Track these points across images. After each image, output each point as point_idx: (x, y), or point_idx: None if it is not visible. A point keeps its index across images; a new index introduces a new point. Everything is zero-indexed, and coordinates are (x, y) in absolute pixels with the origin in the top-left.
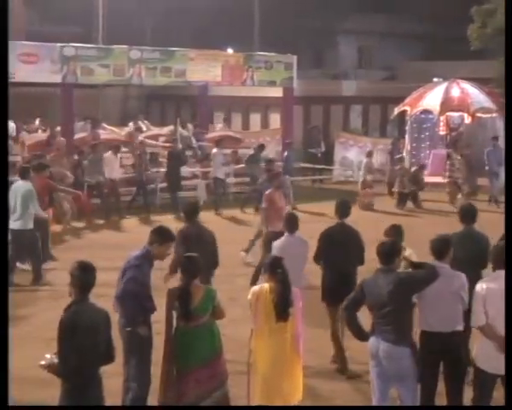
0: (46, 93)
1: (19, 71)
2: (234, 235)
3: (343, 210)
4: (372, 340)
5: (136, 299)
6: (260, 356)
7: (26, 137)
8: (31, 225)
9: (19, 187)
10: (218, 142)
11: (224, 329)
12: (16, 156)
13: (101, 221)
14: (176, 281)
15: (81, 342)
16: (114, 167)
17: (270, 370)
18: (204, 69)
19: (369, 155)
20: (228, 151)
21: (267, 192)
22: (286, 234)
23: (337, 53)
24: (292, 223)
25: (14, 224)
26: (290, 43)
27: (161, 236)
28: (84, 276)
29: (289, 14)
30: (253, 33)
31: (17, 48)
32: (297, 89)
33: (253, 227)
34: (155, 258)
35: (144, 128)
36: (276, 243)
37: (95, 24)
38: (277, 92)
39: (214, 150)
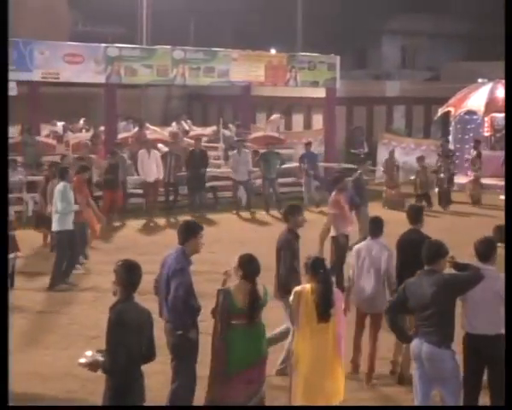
0: (90, 93)
1: (63, 71)
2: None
3: (415, 216)
4: (415, 342)
5: (186, 303)
6: (302, 357)
7: (71, 136)
8: (64, 226)
9: (56, 188)
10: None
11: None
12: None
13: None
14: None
15: (128, 340)
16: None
17: (311, 370)
18: (247, 69)
19: (421, 159)
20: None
21: (332, 196)
22: (368, 238)
23: (381, 53)
24: (376, 227)
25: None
26: (333, 43)
27: (193, 229)
28: (129, 275)
29: (333, 14)
30: (297, 34)
31: (62, 48)
32: (340, 89)
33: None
34: (194, 252)
35: (187, 128)
36: (357, 247)
37: (138, 24)
38: (320, 93)
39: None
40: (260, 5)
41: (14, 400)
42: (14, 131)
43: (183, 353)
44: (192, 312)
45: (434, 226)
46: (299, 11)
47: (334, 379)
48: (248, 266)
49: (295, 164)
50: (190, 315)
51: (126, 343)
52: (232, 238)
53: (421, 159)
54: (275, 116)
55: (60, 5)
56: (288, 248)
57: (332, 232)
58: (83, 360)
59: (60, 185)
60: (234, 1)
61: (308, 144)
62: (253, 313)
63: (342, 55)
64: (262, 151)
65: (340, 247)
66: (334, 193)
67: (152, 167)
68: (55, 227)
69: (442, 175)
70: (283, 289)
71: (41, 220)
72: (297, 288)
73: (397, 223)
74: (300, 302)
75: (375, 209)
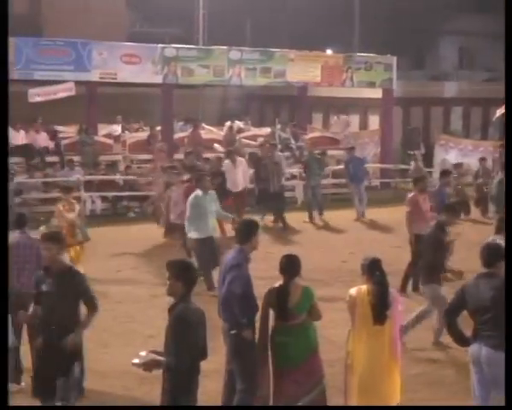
0: (147, 93)
1: (121, 71)
2: (334, 237)
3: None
4: (474, 346)
5: (241, 300)
6: (357, 358)
7: (128, 136)
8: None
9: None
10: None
11: (323, 330)
12: (117, 155)
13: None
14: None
15: (191, 339)
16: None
17: (366, 372)
18: (303, 70)
19: (483, 160)
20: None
21: (410, 195)
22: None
23: (438, 54)
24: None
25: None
26: (391, 43)
27: (253, 228)
28: (190, 274)
29: (390, 15)
30: (353, 34)
31: (119, 49)
32: (397, 90)
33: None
34: (252, 250)
35: (242, 127)
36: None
37: (195, 25)
38: (377, 93)
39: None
40: (317, 5)
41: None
42: (71, 131)
43: (238, 352)
44: (248, 310)
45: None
46: (356, 11)
47: (390, 381)
48: (284, 264)
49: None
50: (245, 314)
51: (189, 342)
52: (289, 238)
53: (483, 160)
54: (343, 117)
55: (118, 6)
56: (433, 240)
57: (408, 232)
58: (137, 361)
59: (196, 192)
60: (291, 1)
61: (351, 149)
62: (281, 312)
63: (399, 56)
64: (305, 158)
65: (414, 246)
66: (412, 193)
67: (238, 177)
68: (193, 235)
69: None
70: (428, 278)
71: (170, 229)
72: (353, 289)
73: None
74: (356, 304)
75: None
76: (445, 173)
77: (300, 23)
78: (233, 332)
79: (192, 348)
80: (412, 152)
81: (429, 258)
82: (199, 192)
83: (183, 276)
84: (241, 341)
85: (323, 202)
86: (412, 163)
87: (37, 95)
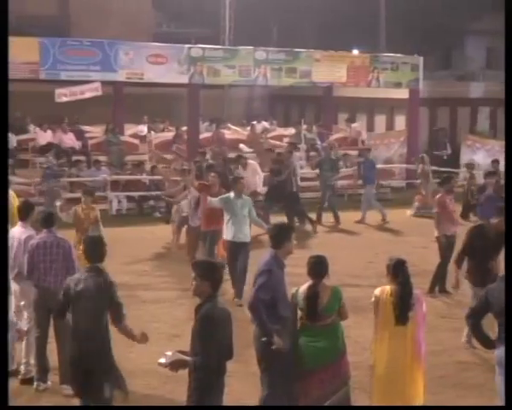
0: (173, 93)
1: (147, 72)
2: (359, 238)
3: None
4: (499, 348)
5: (269, 306)
6: (379, 359)
7: (153, 136)
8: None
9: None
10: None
11: (348, 331)
12: (143, 155)
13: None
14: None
15: (218, 338)
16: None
17: (388, 373)
18: (329, 70)
19: (495, 162)
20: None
21: (438, 196)
22: None
23: (465, 54)
24: None
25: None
26: (417, 43)
27: (287, 231)
28: (216, 274)
29: (416, 15)
30: (379, 34)
31: (146, 49)
32: (423, 90)
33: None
34: (287, 254)
35: (267, 127)
36: None
37: (222, 25)
38: (403, 94)
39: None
40: (343, 5)
41: None
42: (97, 131)
43: (267, 360)
44: (278, 319)
45: None
46: (382, 11)
47: (412, 383)
48: (312, 265)
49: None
50: (276, 322)
51: (216, 342)
52: (315, 239)
53: (495, 162)
54: (354, 125)
55: (144, 7)
56: (494, 243)
57: (435, 232)
58: (163, 360)
59: (228, 194)
60: (317, 1)
61: (368, 150)
62: (311, 313)
63: (426, 56)
64: (318, 159)
65: (442, 247)
66: (440, 194)
67: (248, 181)
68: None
69: None
70: (482, 279)
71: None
72: (377, 289)
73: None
74: (379, 304)
75: None
76: (490, 174)
77: (327, 23)
78: (263, 339)
79: (218, 348)
80: (421, 155)
81: (486, 260)
82: (231, 195)
83: (208, 276)
84: (269, 348)
85: (336, 204)
86: (420, 166)
87: (63, 95)
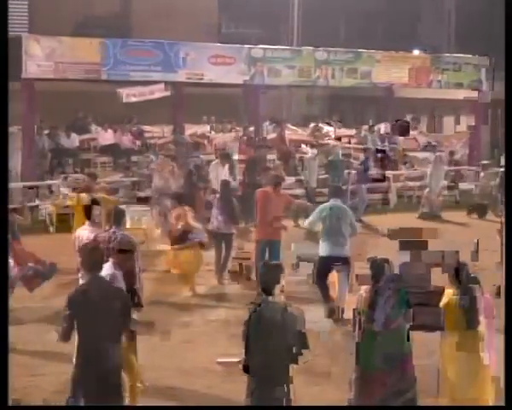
0: (233, 94)
1: (208, 72)
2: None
3: None
4: None
5: None
6: (448, 363)
7: (215, 136)
8: None
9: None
10: None
11: (414, 334)
12: (209, 155)
13: None
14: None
15: (268, 338)
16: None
17: (457, 377)
18: (390, 71)
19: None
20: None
21: None
22: None
23: None
24: None
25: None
26: (480, 43)
27: None
28: (269, 275)
29: (479, 14)
30: (441, 34)
31: (207, 50)
32: (486, 90)
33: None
34: None
35: (330, 129)
36: None
37: (289, 25)
38: (466, 94)
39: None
40: (406, 6)
41: (155, 393)
42: (157, 131)
43: None
44: None
45: None
46: (445, 11)
47: (481, 386)
48: (374, 268)
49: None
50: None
51: (266, 342)
52: (381, 240)
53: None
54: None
55: (209, 7)
56: None
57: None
58: (222, 359)
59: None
60: (382, 2)
61: (367, 150)
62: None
63: (488, 56)
64: (329, 158)
65: None
66: None
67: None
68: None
69: None
70: None
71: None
72: (446, 292)
73: None
74: (448, 307)
75: None
76: None
77: (388, 23)
78: None
79: (271, 348)
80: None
81: None
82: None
83: (262, 276)
84: None
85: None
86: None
87: (132, 95)
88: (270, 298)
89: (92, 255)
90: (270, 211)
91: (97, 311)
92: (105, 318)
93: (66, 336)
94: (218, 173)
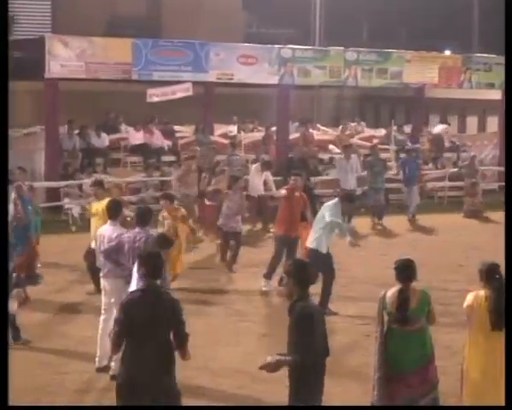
0: (262, 94)
1: (238, 72)
2: (449, 240)
3: None
4: None
5: None
6: (472, 364)
7: (243, 136)
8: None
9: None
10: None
11: (437, 335)
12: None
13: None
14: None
15: (314, 335)
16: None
17: (481, 379)
18: (420, 71)
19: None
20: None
21: None
22: None
23: None
24: None
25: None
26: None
27: None
28: (303, 273)
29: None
30: (472, 34)
31: (236, 50)
32: None
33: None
34: None
35: (357, 128)
36: None
37: (311, 25)
38: (496, 95)
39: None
40: (435, 5)
41: (185, 393)
42: (187, 131)
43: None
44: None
45: None
46: (475, 11)
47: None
48: (400, 269)
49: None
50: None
51: (313, 339)
52: (404, 241)
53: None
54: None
55: (234, 8)
56: None
57: None
58: (270, 359)
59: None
60: (408, 1)
61: (374, 146)
62: (401, 317)
63: None
64: (368, 158)
65: None
66: None
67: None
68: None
69: None
70: None
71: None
72: (470, 294)
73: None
74: (474, 309)
75: None
76: None
77: (418, 23)
78: None
79: (316, 346)
80: None
81: None
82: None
83: (297, 276)
84: None
85: (384, 208)
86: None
87: (155, 95)
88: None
89: (155, 262)
90: (293, 209)
91: (151, 318)
92: (158, 325)
93: (118, 342)
94: (255, 180)
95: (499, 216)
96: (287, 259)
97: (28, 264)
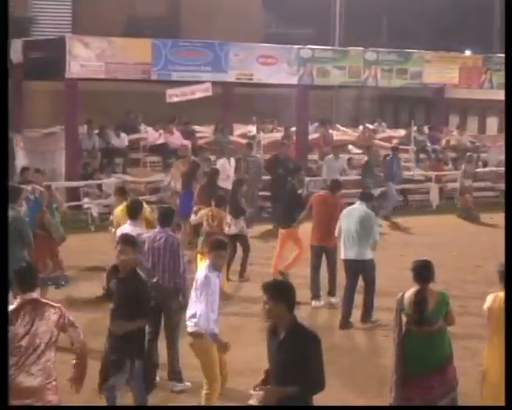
0: (282, 94)
1: (257, 72)
2: (467, 241)
3: None
4: None
5: None
6: (491, 365)
7: (262, 136)
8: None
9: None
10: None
11: (455, 336)
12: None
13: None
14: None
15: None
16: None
17: (500, 380)
18: (440, 71)
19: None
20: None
21: None
22: None
23: None
24: None
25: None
26: None
27: None
28: (290, 294)
29: None
30: (493, 34)
31: (256, 50)
32: None
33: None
34: None
35: (376, 129)
36: None
37: (331, 25)
38: None
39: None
40: (455, 5)
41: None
42: (207, 131)
43: None
44: None
45: None
46: (496, 10)
47: None
48: (417, 270)
49: (488, 168)
50: None
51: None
52: (422, 242)
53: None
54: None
55: (253, 8)
56: None
57: None
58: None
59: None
60: (428, 1)
61: (396, 149)
62: (418, 318)
63: None
64: (387, 158)
65: None
66: None
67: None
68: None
69: None
70: None
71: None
72: (490, 296)
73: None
74: (493, 311)
75: None
76: None
77: (438, 23)
78: None
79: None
80: None
81: None
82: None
83: (283, 297)
84: None
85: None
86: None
87: (174, 95)
88: None
89: None
90: (326, 216)
91: None
92: None
93: None
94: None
95: None
96: (328, 270)
97: (53, 264)
